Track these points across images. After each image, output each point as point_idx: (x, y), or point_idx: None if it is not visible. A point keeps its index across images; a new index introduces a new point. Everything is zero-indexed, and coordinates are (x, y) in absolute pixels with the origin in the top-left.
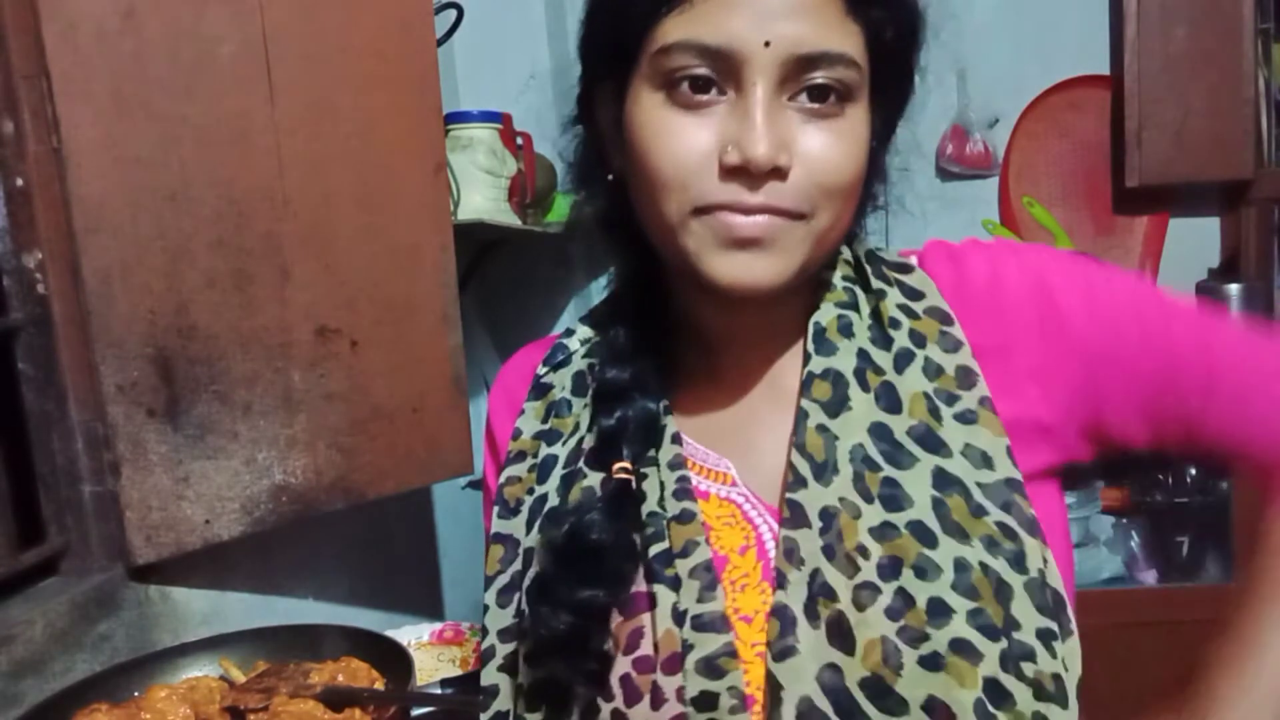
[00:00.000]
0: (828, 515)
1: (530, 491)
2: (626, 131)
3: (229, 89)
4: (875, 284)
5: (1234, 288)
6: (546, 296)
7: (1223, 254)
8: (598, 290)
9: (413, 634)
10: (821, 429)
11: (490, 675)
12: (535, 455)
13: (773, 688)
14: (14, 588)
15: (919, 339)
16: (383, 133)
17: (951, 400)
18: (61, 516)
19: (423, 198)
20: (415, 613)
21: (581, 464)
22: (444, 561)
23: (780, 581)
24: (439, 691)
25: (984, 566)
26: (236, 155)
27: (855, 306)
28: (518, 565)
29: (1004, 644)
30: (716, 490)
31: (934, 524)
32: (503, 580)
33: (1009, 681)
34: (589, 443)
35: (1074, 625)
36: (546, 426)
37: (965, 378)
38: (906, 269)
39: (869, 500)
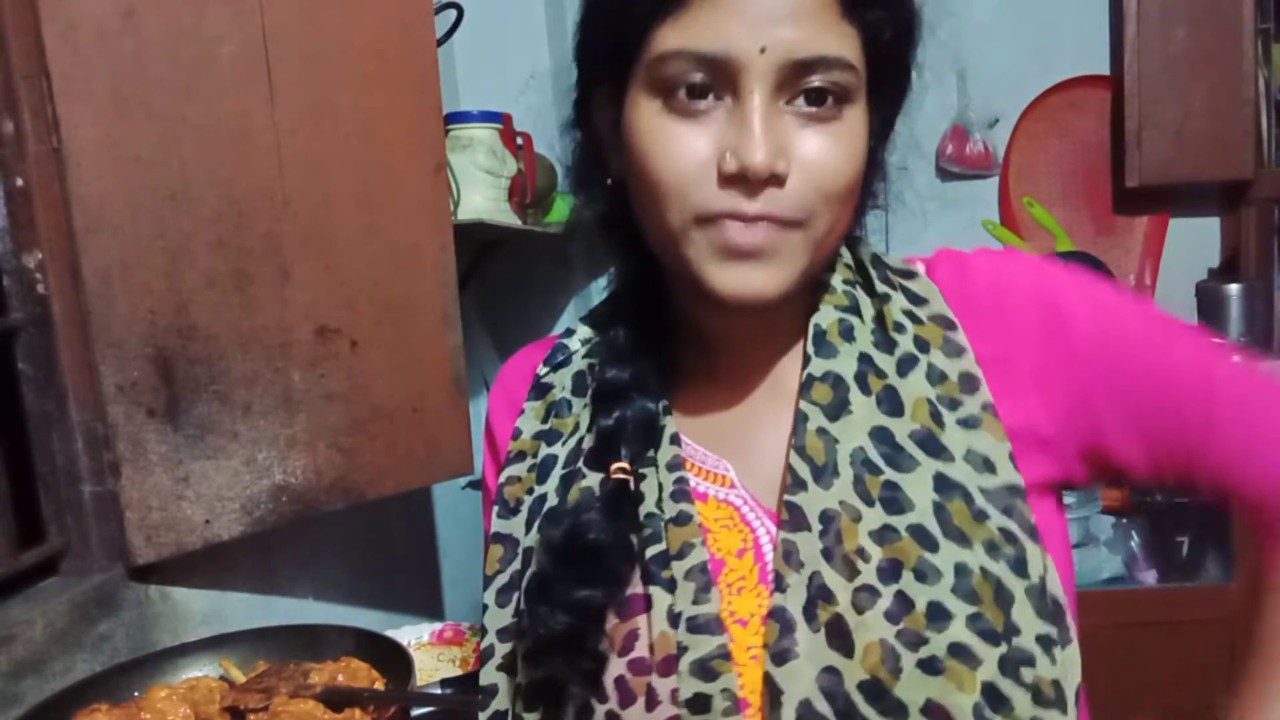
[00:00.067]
0: (827, 518)
1: (530, 491)
2: (624, 138)
3: (229, 89)
4: (880, 288)
5: (1234, 288)
6: (546, 296)
7: (1223, 254)
8: (598, 290)
9: (413, 634)
10: (821, 432)
11: (489, 674)
12: (535, 455)
13: (771, 690)
14: (14, 588)
15: (923, 344)
16: (383, 133)
17: (954, 405)
18: (61, 516)
19: (423, 198)
20: (415, 613)
21: (581, 464)
22: (444, 561)
23: (779, 584)
24: (439, 691)
25: (984, 571)
26: (236, 155)
27: (857, 310)
28: (517, 565)
29: (1003, 649)
30: (715, 492)
31: (934, 528)
32: (502, 580)
33: (1007, 686)
34: (588, 443)
35: (1073, 634)
36: (546, 426)
37: (968, 383)
38: (910, 274)
39: (869, 503)
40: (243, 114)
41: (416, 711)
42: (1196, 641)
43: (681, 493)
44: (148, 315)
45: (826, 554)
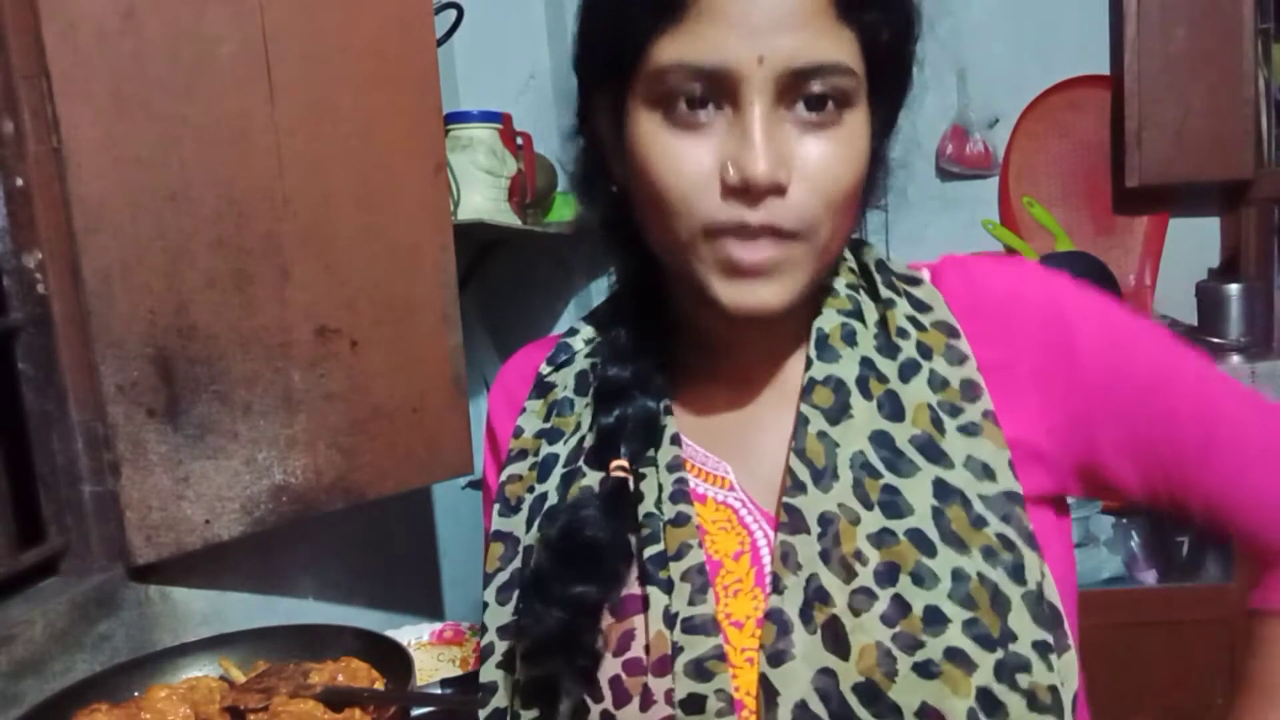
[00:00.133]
0: (826, 521)
1: (531, 490)
2: (626, 149)
3: (229, 89)
4: (884, 293)
5: (1234, 288)
6: (546, 296)
7: (1223, 254)
8: (598, 290)
9: (413, 634)
10: (822, 435)
11: (489, 672)
12: (536, 454)
13: (767, 692)
14: (14, 588)
15: (925, 351)
16: (383, 133)
17: (955, 412)
18: (61, 516)
19: (423, 198)
20: (415, 613)
21: (581, 463)
22: (444, 561)
23: (776, 585)
24: (439, 691)
25: (981, 577)
26: (236, 155)
27: (860, 315)
28: (517, 563)
29: (999, 654)
30: (714, 494)
31: (933, 533)
32: (502, 578)
33: (1002, 692)
34: (590, 442)
35: (1070, 642)
36: (548, 425)
37: (970, 390)
38: (915, 281)
39: (868, 507)
40: (243, 114)
41: (416, 711)
42: (1196, 641)
43: (681, 494)
44: (148, 315)
45: (824, 556)
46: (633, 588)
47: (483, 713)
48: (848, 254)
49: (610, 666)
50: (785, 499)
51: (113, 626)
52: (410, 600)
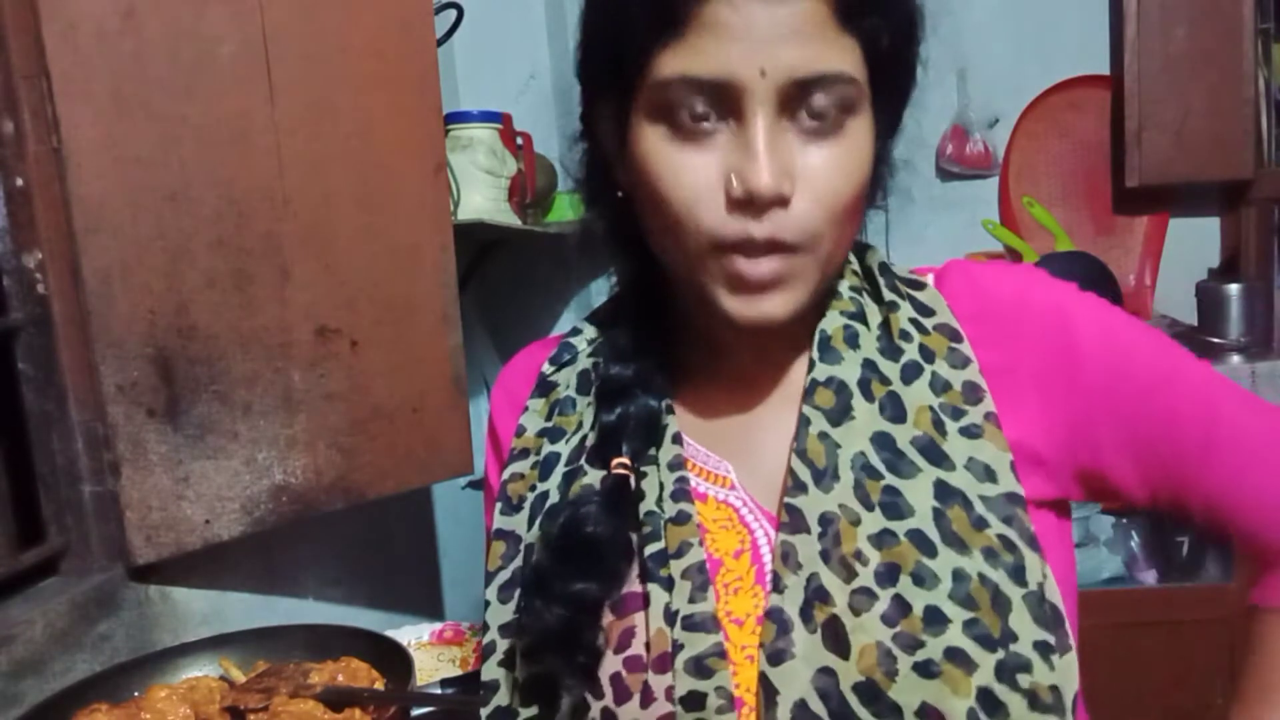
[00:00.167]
0: (826, 521)
1: (532, 488)
2: (630, 159)
3: (229, 89)
4: (888, 296)
5: (1234, 288)
6: (546, 297)
7: (1223, 254)
8: (598, 290)
9: (413, 634)
10: (823, 436)
11: (491, 670)
12: (538, 452)
13: (767, 690)
14: (14, 588)
15: (928, 354)
16: (383, 133)
17: (957, 415)
18: (61, 516)
19: (423, 198)
20: (415, 613)
21: (583, 461)
22: (444, 561)
23: (776, 585)
24: (439, 691)
25: (982, 577)
26: (236, 155)
27: (862, 317)
28: (519, 561)
29: (1000, 654)
30: (715, 493)
31: (934, 534)
32: (504, 576)
33: (1003, 692)
34: (591, 440)
35: (1071, 642)
36: (550, 424)
37: (972, 393)
38: (918, 285)
39: (869, 508)
40: (243, 114)
41: (416, 711)
42: (1196, 641)
43: (682, 492)
44: (148, 315)
45: (824, 556)
46: (633, 585)
47: (484, 711)
48: (851, 257)
49: (611, 663)
50: (786, 499)
51: (113, 626)
52: (410, 600)
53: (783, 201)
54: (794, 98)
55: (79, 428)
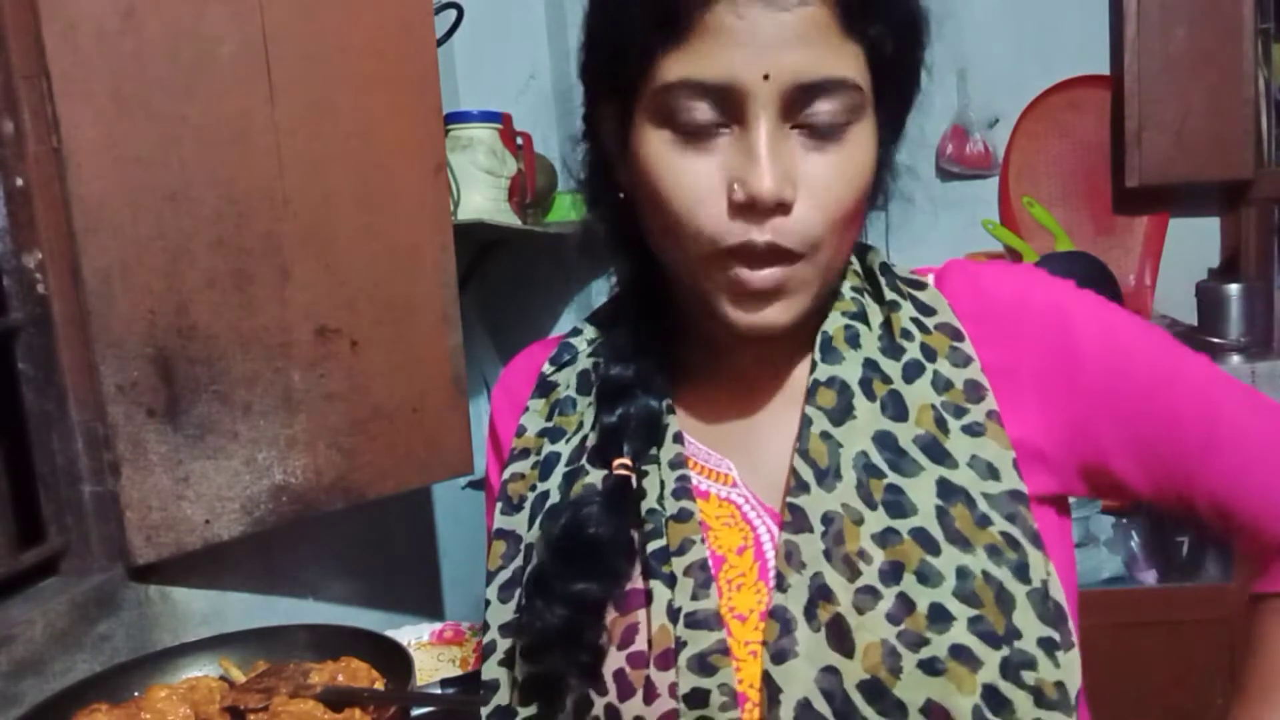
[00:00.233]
0: (829, 520)
1: (533, 488)
2: (633, 162)
3: (229, 89)
4: (889, 295)
5: (1234, 288)
6: (546, 297)
7: (1223, 254)
8: (598, 290)
9: (413, 634)
10: (825, 436)
11: (491, 670)
12: (539, 452)
13: (770, 688)
14: (14, 588)
15: (930, 353)
16: (383, 133)
17: (959, 413)
18: (61, 516)
19: (423, 198)
20: (415, 613)
21: (584, 461)
22: (444, 561)
23: (780, 584)
24: (439, 691)
25: (986, 575)
26: (236, 155)
27: (864, 317)
28: (519, 561)
29: (1004, 651)
30: (717, 490)
31: (937, 531)
32: (504, 576)
33: (1008, 689)
34: (592, 440)
35: (1074, 639)
36: (550, 424)
37: (974, 391)
38: (919, 285)
39: (872, 506)
40: (243, 114)
41: (416, 711)
42: (1196, 641)
43: (683, 490)
44: (148, 315)
45: (828, 555)
46: (636, 582)
47: (485, 710)
48: (852, 258)
49: (614, 660)
50: (789, 498)
51: (113, 626)
52: (410, 600)
53: (784, 207)
54: (797, 103)
55: (79, 428)
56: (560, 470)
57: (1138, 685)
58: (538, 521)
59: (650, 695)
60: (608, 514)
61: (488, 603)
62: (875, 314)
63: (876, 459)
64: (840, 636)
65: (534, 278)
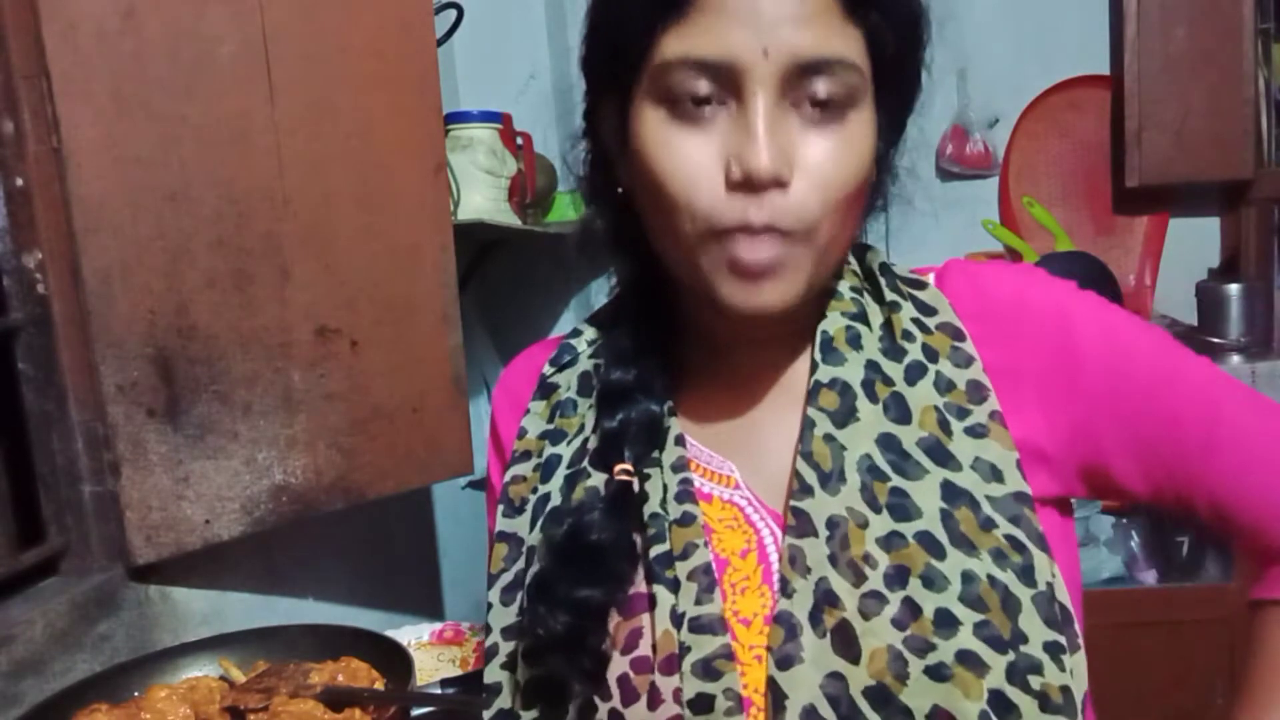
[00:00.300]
0: (833, 524)
1: (534, 491)
2: (631, 147)
3: (229, 89)
4: (889, 296)
5: (1234, 288)
6: (546, 297)
7: (1223, 254)
8: (598, 290)
9: (413, 634)
10: (829, 438)
11: (493, 673)
12: (540, 455)
13: (775, 694)
14: (14, 588)
15: (931, 353)
16: (383, 133)
17: (962, 414)
18: (61, 516)
19: (423, 198)
20: (415, 613)
21: (585, 464)
22: (444, 561)
23: (784, 589)
24: (439, 691)
25: (991, 579)
26: (236, 155)
27: (864, 318)
28: (521, 564)
29: (1011, 656)
30: (719, 493)
31: (942, 535)
32: (507, 578)
33: (1014, 694)
34: (593, 443)
35: (1080, 642)
36: (551, 426)
37: (976, 392)
38: (920, 285)
39: (877, 510)
40: (243, 114)
41: (416, 711)
42: (1196, 641)
43: (686, 493)
44: (148, 315)
45: (833, 560)
46: (639, 587)
47: (487, 714)
48: (851, 258)
49: (618, 665)
50: (792, 502)
51: (113, 626)
52: (410, 600)
53: (780, 184)
54: (796, 81)
55: (79, 428)
56: (561, 472)
57: (1138, 685)
58: (539, 524)
59: (654, 701)
60: (610, 519)
61: (490, 605)
62: (876, 314)
63: (880, 462)
64: (846, 642)
65: (534, 278)
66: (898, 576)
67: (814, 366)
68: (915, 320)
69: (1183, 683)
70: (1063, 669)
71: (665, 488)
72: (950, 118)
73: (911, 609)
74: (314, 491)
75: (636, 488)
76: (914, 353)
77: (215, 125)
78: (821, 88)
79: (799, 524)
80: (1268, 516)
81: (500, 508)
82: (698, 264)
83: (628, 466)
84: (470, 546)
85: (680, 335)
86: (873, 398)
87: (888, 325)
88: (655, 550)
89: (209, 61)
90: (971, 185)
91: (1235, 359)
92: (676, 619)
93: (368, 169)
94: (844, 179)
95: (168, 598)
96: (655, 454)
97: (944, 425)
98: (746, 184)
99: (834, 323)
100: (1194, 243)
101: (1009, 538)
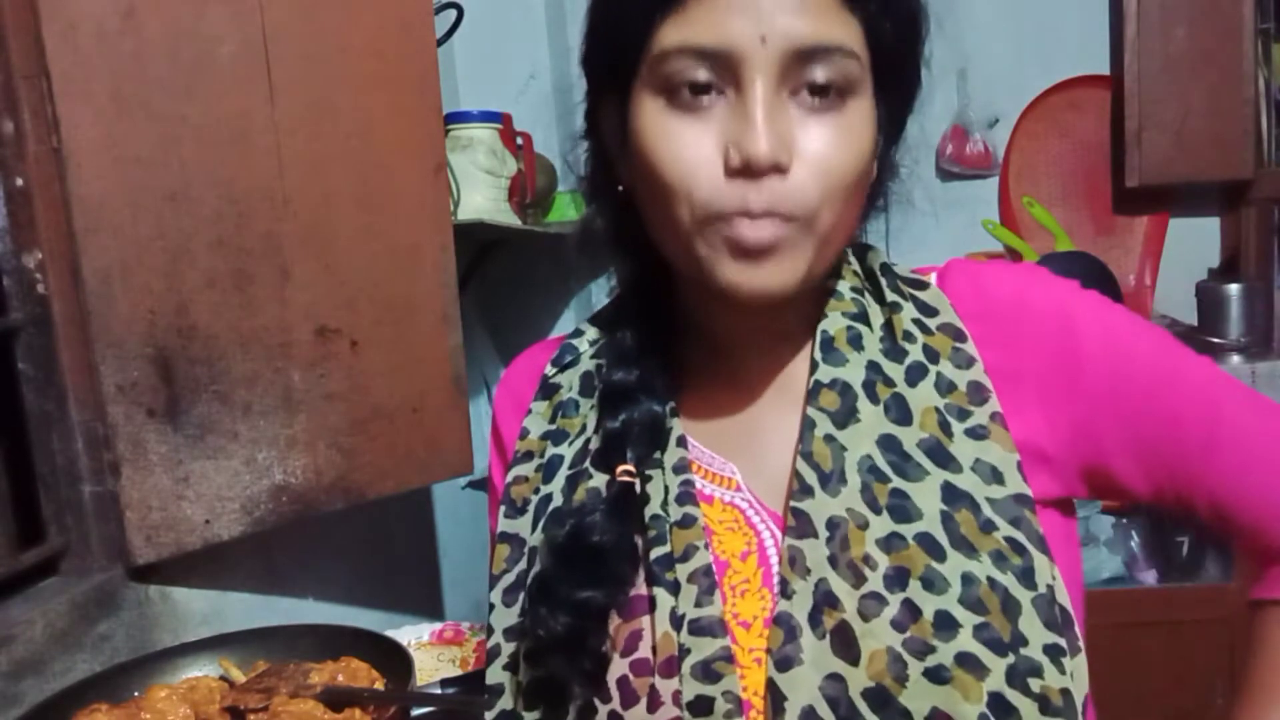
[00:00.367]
0: (833, 525)
1: (536, 491)
2: (631, 140)
3: (229, 89)
4: (890, 296)
5: (1234, 288)
6: (546, 297)
7: (1223, 254)
8: (598, 290)
9: (413, 634)
10: (829, 439)
11: (495, 674)
12: (542, 455)
13: (774, 696)
14: (14, 588)
15: (932, 354)
16: (383, 133)
17: (963, 416)
18: (61, 516)
19: (423, 198)
20: (415, 613)
21: (587, 465)
22: (444, 561)
23: (784, 590)
24: (439, 691)
25: (991, 581)
26: (236, 155)
27: (865, 318)
28: (523, 564)
29: (1010, 659)
30: (720, 494)
31: (942, 537)
32: (508, 579)
33: (1014, 697)
34: (595, 444)
35: (1081, 644)
36: (553, 427)
37: (977, 393)
38: (921, 285)
39: (877, 511)
40: (243, 114)
41: (416, 711)
42: (1196, 641)
43: (687, 495)
44: (148, 315)
45: (832, 561)
46: (640, 589)
47: (489, 715)
48: (852, 258)
49: (618, 667)
50: (792, 503)
51: (113, 626)
52: (410, 600)
53: (780, 170)
54: (794, 69)
55: (79, 428)
56: (563, 473)
57: (1138, 685)
58: (541, 525)
59: (654, 703)
60: (611, 521)
61: (492, 606)
62: (876, 315)
63: (881, 463)
64: (845, 644)
65: (534, 278)
66: (897, 578)
67: (814, 366)
68: (916, 321)
69: (1183, 683)
70: (1063, 671)
71: (667, 489)
72: (950, 117)
73: (911, 611)
74: (314, 491)
75: (638, 489)
76: (915, 353)
77: (215, 125)
78: (820, 74)
79: (799, 525)
80: (1268, 516)
81: (502, 508)
82: (697, 250)
83: (630, 467)
84: (470, 546)
85: (681, 335)
86: (873, 398)
87: (889, 326)
88: (656, 552)
89: (209, 61)
90: (971, 185)
91: (1235, 359)
92: (676, 621)
93: (368, 169)
94: (843, 167)
95: (168, 598)
96: (657, 455)
97: (945, 427)
98: (745, 170)
99: (835, 323)
100: (1194, 243)
101: (1009, 540)
